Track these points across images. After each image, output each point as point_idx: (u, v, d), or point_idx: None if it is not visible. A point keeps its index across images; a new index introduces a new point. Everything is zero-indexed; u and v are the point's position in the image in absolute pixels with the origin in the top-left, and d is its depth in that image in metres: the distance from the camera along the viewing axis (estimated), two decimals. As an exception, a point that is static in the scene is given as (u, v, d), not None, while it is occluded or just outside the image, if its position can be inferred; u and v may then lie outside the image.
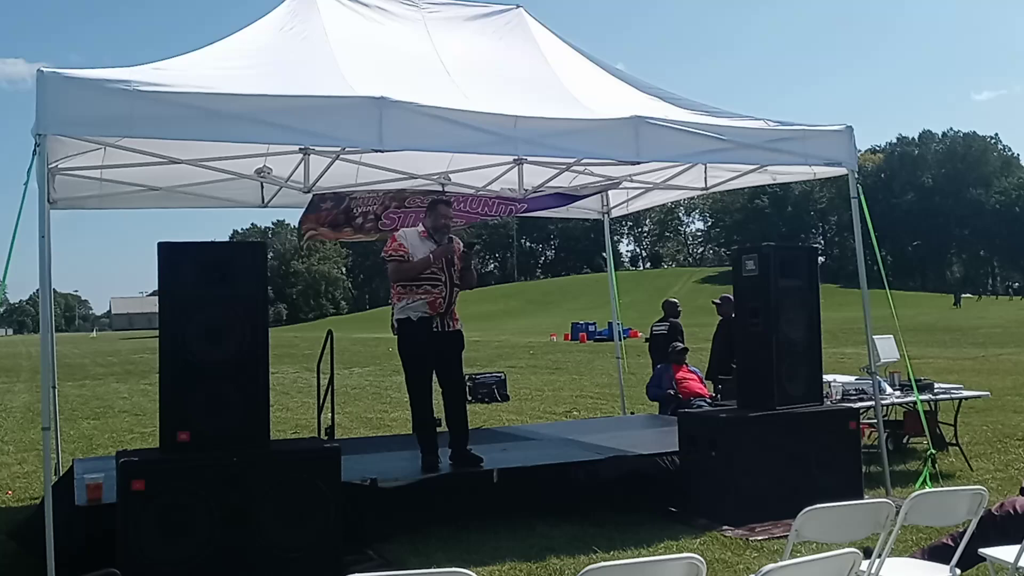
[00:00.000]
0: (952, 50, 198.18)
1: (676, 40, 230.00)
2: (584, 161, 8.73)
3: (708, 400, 11.12)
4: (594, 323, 49.93)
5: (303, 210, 9.57)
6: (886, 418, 9.25)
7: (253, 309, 6.29)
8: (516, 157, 8.82)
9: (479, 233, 12.08)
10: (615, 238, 13.16)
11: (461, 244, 8.05)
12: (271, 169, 8.84)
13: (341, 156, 8.14)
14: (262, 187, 10.05)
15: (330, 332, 9.65)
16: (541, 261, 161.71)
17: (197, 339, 6.09)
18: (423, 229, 8.19)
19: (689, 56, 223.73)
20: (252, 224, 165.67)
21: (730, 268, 8.38)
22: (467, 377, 11.27)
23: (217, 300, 6.11)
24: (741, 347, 8.42)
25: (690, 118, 7.97)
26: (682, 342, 12.36)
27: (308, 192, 8.69)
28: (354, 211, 9.66)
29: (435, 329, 8.04)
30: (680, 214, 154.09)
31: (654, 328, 12.98)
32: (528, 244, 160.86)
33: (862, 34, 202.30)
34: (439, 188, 9.57)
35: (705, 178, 10.15)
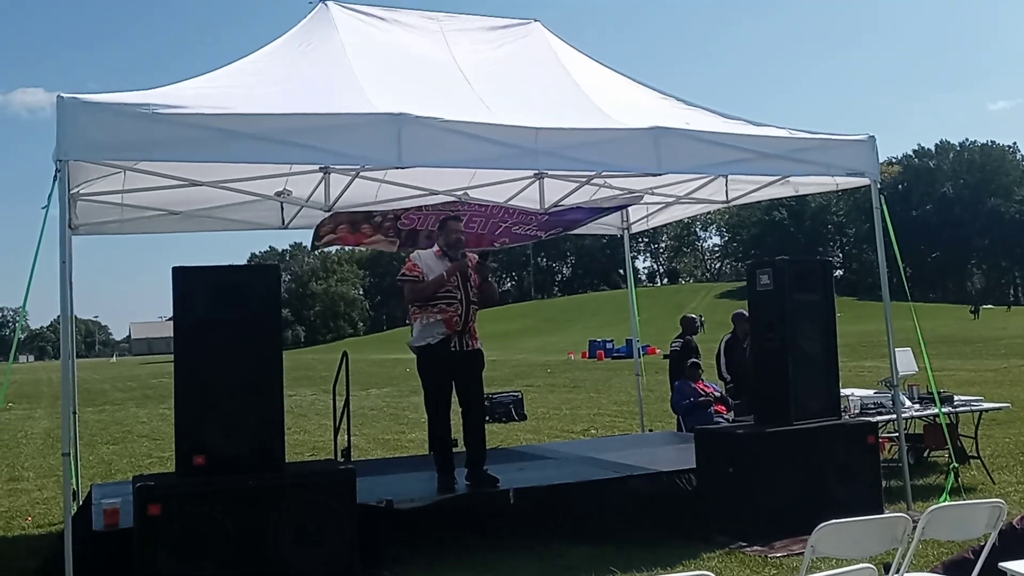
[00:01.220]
0: (966, 60, 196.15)
1: (673, 45, 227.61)
2: (604, 174, 8.76)
3: (726, 417, 11.06)
4: (612, 340, 49.59)
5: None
6: (906, 431, 9.02)
7: (267, 332, 6.34)
8: (537, 172, 8.78)
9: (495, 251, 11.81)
10: (632, 254, 13.04)
11: (476, 257, 8.06)
12: (291, 191, 8.84)
13: (361, 174, 8.14)
14: (282, 208, 9.95)
15: (345, 354, 9.61)
16: (558, 279, 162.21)
17: (211, 363, 6.14)
18: (437, 248, 8.20)
19: (690, 59, 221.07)
20: (270, 247, 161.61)
21: (745, 283, 8.42)
22: (487, 396, 11.52)
23: (231, 324, 6.16)
24: (757, 362, 8.32)
25: (713, 125, 7.91)
26: (697, 359, 12.26)
27: (329, 211, 8.69)
28: (373, 213, 9.60)
29: (454, 349, 8.01)
30: (697, 229, 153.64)
31: (672, 345, 13.14)
32: (545, 262, 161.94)
33: (875, 44, 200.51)
34: (460, 201, 9.58)
35: (726, 190, 10.04)
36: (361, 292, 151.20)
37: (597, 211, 10.57)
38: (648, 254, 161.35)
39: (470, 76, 7.93)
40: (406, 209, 9.69)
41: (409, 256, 8.22)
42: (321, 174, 8.09)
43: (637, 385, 13.11)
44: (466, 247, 8.27)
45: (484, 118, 7.05)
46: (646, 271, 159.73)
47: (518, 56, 8.72)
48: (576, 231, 11.33)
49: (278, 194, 8.80)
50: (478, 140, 6.91)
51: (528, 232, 10.60)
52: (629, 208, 11.28)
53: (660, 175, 8.00)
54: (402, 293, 8.17)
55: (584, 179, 9.10)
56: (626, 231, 12.24)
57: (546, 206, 9.62)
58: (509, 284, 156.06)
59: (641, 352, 14.78)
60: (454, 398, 7.92)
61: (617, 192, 9.89)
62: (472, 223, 10.12)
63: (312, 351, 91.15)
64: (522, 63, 8.58)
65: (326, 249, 9.98)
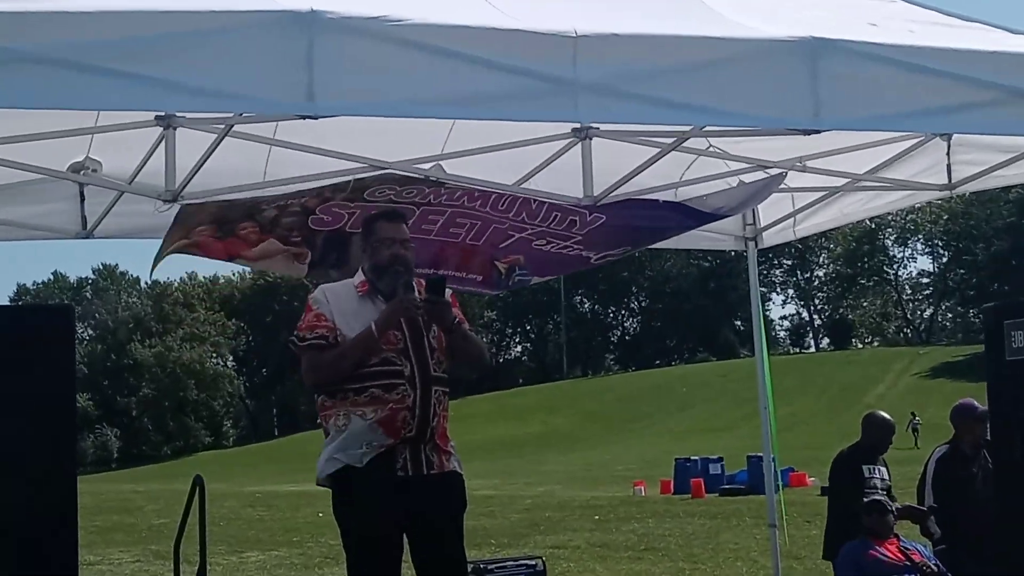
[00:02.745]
0: None
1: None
2: (708, 130, 6.46)
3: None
4: (719, 459, 35.93)
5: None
6: None
7: (48, 438, 4.65)
8: (576, 125, 6.52)
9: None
10: (761, 290, 9.36)
11: (423, 283, 6.05)
12: (99, 163, 6.62)
13: (235, 129, 6.11)
14: (81, 197, 7.40)
15: (199, 483, 7.06)
16: (613, 337, 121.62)
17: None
18: (361, 280, 5.94)
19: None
20: (55, 273, 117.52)
21: (982, 346, 6.48)
22: (474, 566, 8.15)
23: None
24: (1003, 498, 5.99)
25: (927, 36, 5.61)
26: (889, 493, 8.83)
27: (171, 203, 6.40)
28: (260, 202, 7.07)
29: (403, 474, 5.72)
30: (886, 241, 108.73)
31: (838, 468, 9.44)
32: (585, 303, 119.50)
33: None
34: (429, 180, 6.91)
35: (948, 167, 7.42)
36: (231, 362, 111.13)
37: (693, 211, 7.68)
38: (790, 289, 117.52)
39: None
40: (326, 200, 7.01)
41: (308, 300, 6.03)
42: (159, 129, 6.07)
43: (771, 548, 9.59)
44: (417, 270, 6.13)
45: (475, 19, 5.01)
46: (787, 323, 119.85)
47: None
48: (652, 247, 8.89)
49: (75, 169, 6.71)
50: (458, 61, 4.77)
51: (561, 249, 7.65)
52: (757, 202, 8.19)
53: (818, 133, 5.74)
54: (298, 368, 6.09)
55: (669, 142, 6.99)
56: (751, 243, 9.21)
57: (595, 195, 7.30)
58: (517, 349, 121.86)
59: (780, 482, 11.29)
60: (406, 571, 6.12)
61: (733, 170, 7.54)
62: (453, 226, 7.35)
63: (136, 475, 70.13)
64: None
65: (171, 257, 7.42)
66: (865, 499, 8.77)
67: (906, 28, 6.39)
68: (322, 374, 5.94)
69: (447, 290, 6.11)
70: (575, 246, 7.93)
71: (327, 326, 5.91)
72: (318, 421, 6.32)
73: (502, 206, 7.71)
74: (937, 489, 8.68)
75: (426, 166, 7.56)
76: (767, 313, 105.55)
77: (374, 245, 6.05)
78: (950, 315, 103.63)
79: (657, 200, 7.96)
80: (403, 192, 7.36)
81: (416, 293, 5.97)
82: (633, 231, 8.05)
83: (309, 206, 7.54)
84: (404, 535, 6.08)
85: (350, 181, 7.52)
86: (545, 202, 7.76)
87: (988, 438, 7.80)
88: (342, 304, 5.95)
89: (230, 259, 7.70)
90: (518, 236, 7.83)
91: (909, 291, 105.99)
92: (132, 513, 31.21)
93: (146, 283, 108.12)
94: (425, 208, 7.65)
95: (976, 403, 8.58)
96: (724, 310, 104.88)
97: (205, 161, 6.98)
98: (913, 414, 52.25)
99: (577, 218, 7.77)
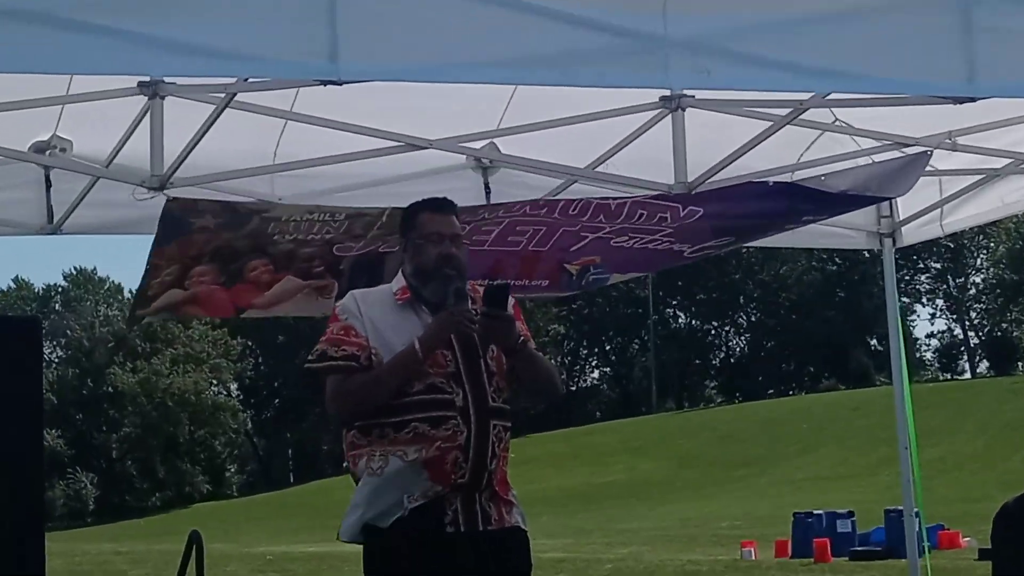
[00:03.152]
0: None
1: None
2: (830, 99, 6.59)
3: None
4: (849, 513, 35.22)
5: (151, 240, 7.01)
6: None
7: (6, 487, 4.84)
8: (666, 93, 6.73)
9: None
10: (902, 301, 9.62)
11: (479, 291, 6.06)
12: (70, 142, 6.86)
13: (237, 102, 6.32)
14: (47, 184, 7.53)
15: (195, 538, 7.07)
16: (715, 358, 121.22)
17: None
18: (401, 285, 5.96)
19: None
20: (14, 279, 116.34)
21: None
22: None
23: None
24: None
25: None
26: None
27: (154, 191, 6.59)
28: (273, 236, 7.13)
29: (451, 529, 5.76)
30: None
31: (1001, 527, 8.86)
32: (679, 317, 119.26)
33: None
34: (489, 204, 7.44)
35: None
36: (235, 390, 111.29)
37: (812, 193, 7.57)
38: (939, 300, 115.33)
39: None
40: (351, 229, 7.19)
41: (335, 308, 6.01)
42: (143, 99, 6.27)
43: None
44: (471, 278, 6.14)
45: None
46: (934, 341, 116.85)
47: None
48: (760, 242, 8.87)
49: (39, 149, 6.92)
50: (516, 13, 4.77)
51: (647, 244, 7.79)
52: (896, 189, 8.02)
53: (973, 102, 6.05)
54: (320, 396, 6.10)
55: (783, 114, 7.16)
56: (888, 242, 9.16)
57: (689, 181, 7.55)
58: (595, 370, 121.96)
59: (926, 543, 11.35)
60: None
61: (864, 149, 7.75)
62: (512, 234, 7.56)
63: (117, 532, 69.41)
64: None
65: (152, 319, 7.99)
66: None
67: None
68: (351, 403, 5.97)
69: (509, 299, 6.13)
70: (664, 239, 8.05)
71: (358, 343, 5.91)
72: (344, 464, 6.35)
73: (573, 211, 7.84)
74: None
75: (477, 145, 7.63)
76: (910, 330, 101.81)
77: (417, 243, 6.03)
78: None
79: (767, 183, 8.01)
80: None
81: (470, 303, 6.01)
82: (737, 219, 8.12)
83: (331, 237, 7.51)
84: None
85: (385, 211, 7.56)
86: (627, 200, 7.80)
87: None
88: (377, 315, 5.98)
89: (239, 313, 7.79)
90: (592, 236, 7.96)
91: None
92: (112, 574, 32.87)
93: (130, 292, 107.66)
94: (476, 223, 7.66)
95: None
96: (855, 326, 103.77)
97: (200, 139, 6.91)
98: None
99: (668, 214, 7.84)
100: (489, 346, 6.00)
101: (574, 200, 7.83)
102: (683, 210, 7.92)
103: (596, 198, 7.87)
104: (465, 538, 5.91)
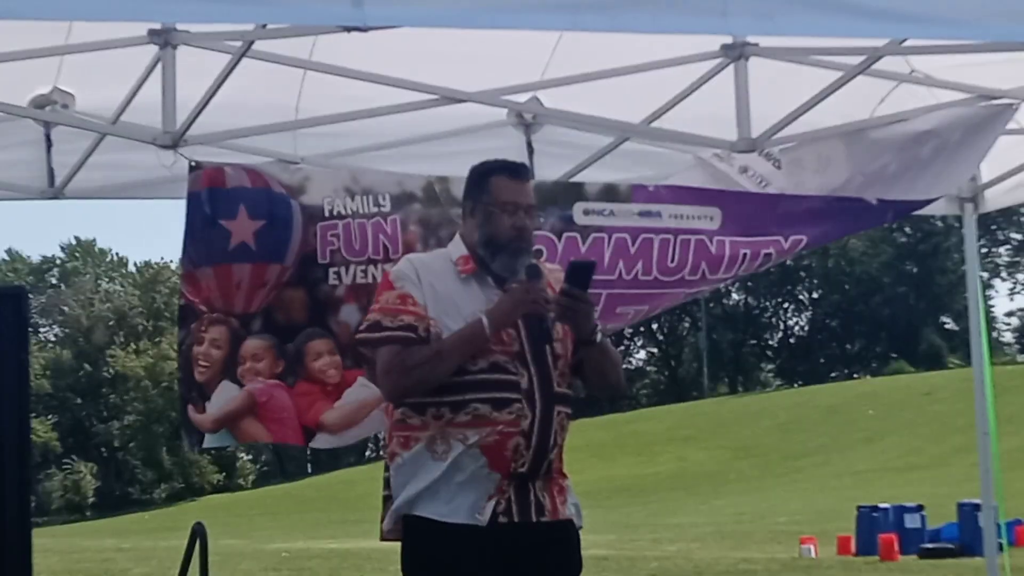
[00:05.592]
0: None
1: None
2: (910, 45, 6.49)
3: None
4: (919, 507, 35.15)
5: (183, 230, 6.92)
6: None
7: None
8: (727, 40, 6.76)
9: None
10: (982, 274, 9.58)
11: (561, 273, 6.03)
12: (72, 96, 6.88)
13: (255, 51, 6.29)
14: (47, 144, 7.46)
15: (199, 531, 7.16)
16: (772, 338, 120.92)
17: None
18: (463, 254, 5.98)
19: None
20: (7, 251, 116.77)
21: None
22: None
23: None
24: None
25: None
26: None
27: (169, 147, 6.48)
28: (315, 272, 7.11)
29: (504, 519, 5.74)
30: None
31: None
32: (732, 294, 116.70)
33: None
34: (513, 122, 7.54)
35: None
36: None
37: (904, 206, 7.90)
38: (1021, 272, 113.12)
39: None
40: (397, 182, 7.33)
41: (387, 272, 6.14)
42: (154, 49, 6.27)
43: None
44: (540, 253, 6.63)
45: None
46: (1015, 320, 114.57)
47: None
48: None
49: (39, 104, 6.95)
50: None
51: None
52: (978, 149, 7.87)
53: None
54: (372, 368, 6.31)
55: (855, 63, 6.99)
56: (968, 207, 9.06)
57: (753, 137, 7.35)
58: (641, 351, 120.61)
59: (1004, 540, 10.93)
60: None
61: (943, 102, 7.55)
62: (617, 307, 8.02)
63: (119, 527, 69.32)
64: None
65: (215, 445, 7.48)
66: None
67: None
68: (410, 379, 5.94)
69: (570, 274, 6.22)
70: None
71: (416, 312, 5.89)
72: (383, 445, 6.50)
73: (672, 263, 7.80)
74: None
75: (519, 98, 7.61)
76: (990, 308, 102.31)
77: (490, 210, 6.01)
78: None
79: (863, 200, 7.84)
80: None
81: (543, 280, 6.06)
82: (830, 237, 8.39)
83: (389, 229, 7.42)
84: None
85: (426, 180, 7.49)
86: (726, 240, 7.64)
87: None
88: (437, 284, 5.96)
89: (308, 441, 7.24)
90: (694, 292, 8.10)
91: None
92: (112, 573, 32.55)
93: (135, 265, 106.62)
94: None
95: None
96: (928, 303, 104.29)
97: (215, 93, 6.95)
98: None
99: (772, 250, 7.75)
100: (557, 329, 5.93)
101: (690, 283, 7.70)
102: (787, 242, 7.77)
103: (690, 237, 7.58)
104: (515, 530, 5.91)
